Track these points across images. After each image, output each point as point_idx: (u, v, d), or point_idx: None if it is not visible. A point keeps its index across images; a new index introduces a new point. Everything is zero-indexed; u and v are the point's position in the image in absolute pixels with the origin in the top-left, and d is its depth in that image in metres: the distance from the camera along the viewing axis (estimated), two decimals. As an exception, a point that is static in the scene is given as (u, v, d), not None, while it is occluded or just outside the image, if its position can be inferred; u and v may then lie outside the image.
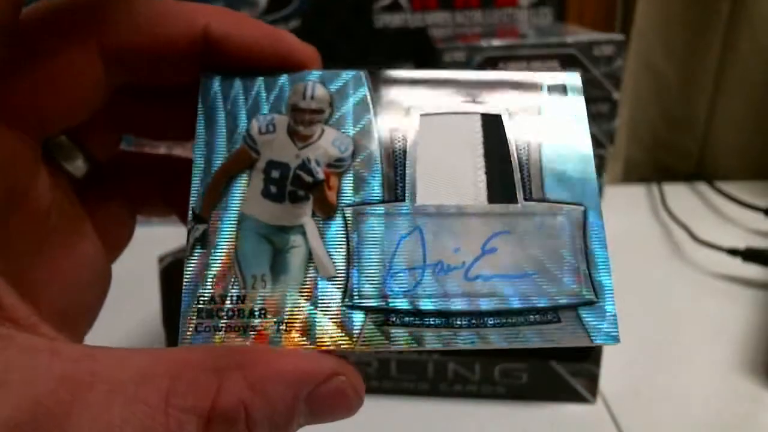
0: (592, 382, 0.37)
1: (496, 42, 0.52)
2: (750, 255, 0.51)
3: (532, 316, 0.18)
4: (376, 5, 0.67)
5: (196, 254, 0.18)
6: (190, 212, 0.19)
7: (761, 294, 0.49)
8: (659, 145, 0.74)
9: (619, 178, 0.73)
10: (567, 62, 0.48)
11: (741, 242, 0.53)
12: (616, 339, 0.18)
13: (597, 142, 0.49)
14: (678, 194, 0.66)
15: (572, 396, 0.38)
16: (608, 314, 0.19)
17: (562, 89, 0.21)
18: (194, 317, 0.18)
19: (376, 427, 0.36)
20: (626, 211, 0.63)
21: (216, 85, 0.20)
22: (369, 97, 0.20)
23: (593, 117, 0.49)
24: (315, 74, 0.20)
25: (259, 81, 0.20)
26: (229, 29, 0.19)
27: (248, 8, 0.65)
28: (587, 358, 0.37)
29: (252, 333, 0.18)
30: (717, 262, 0.53)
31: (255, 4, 0.63)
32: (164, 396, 0.14)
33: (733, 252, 0.52)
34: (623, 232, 0.57)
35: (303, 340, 0.18)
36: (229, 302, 0.18)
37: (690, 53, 0.68)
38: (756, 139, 0.70)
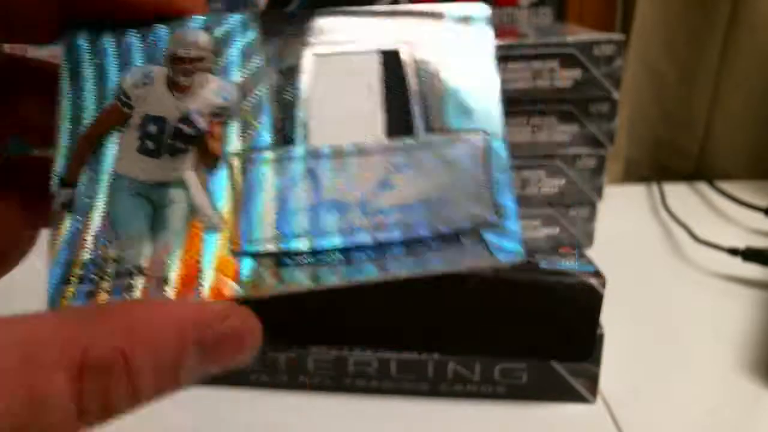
0: (592, 382, 0.37)
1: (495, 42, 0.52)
2: (750, 255, 0.51)
3: (434, 243, 0.18)
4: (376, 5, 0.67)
5: (65, 220, 0.17)
6: (55, 179, 0.17)
7: (761, 294, 0.49)
8: (659, 145, 0.74)
9: (619, 178, 0.73)
10: (567, 62, 0.47)
11: (741, 242, 0.52)
12: (519, 254, 0.18)
13: (597, 142, 0.49)
14: (678, 194, 0.66)
15: (572, 396, 0.38)
16: (511, 232, 0.19)
17: (466, 20, 0.20)
18: (67, 284, 0.16)
19: (376, 427, 0.36)
20: (626, 211, 0.63)
21: (81, 38, 0.18)
22: (258, 41, 0.19)
23: (593, 117, 0.49)
24: (199, 20, 0.19)
25: (134, 31, 0.18)
26: None
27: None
28: (587, 358, 0.37)
29: (134, 293, 0.17)
30: (717, 262, 0.52)
31: (254, 5, 0.64)
32: (21, 357, 0.12)
33: (733, 252, 0.51)
34: (623, 232, 0.57)
35: (190, 294, 0.17)
36: (106, 265, 0.17)
37: (690, 53, 0.68)
38: (756, 139, 0.70)
